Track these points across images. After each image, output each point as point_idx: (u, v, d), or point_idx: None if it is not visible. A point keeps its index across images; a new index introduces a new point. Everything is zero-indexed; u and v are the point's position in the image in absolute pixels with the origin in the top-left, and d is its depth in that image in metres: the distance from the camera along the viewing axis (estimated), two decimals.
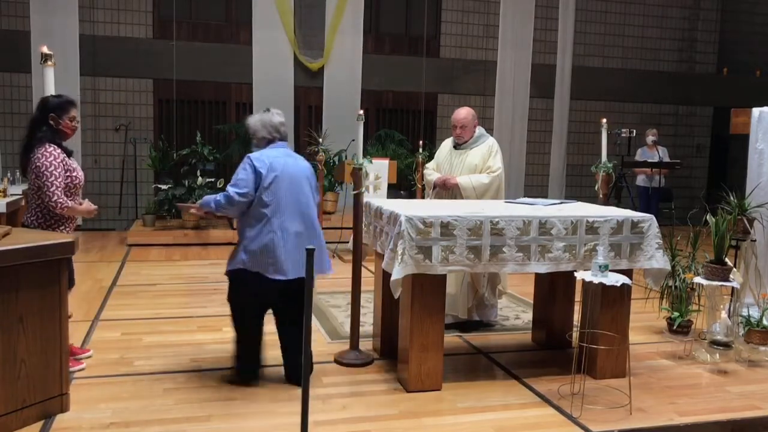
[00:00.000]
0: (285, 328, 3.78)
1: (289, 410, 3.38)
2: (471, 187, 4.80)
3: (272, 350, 4.38)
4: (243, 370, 3.81)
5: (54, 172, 3.65)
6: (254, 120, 3.88)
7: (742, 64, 12.48)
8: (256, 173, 3.63)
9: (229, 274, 3.75)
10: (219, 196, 3.67)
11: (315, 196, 3.90)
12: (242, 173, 3.65)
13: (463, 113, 4.93)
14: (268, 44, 10.13)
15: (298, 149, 10.30)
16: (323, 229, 7.75)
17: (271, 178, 3.63)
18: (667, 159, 9.68)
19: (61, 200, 3.67)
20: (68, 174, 3.75)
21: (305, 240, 3.66)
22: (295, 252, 3.60)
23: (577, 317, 4.35)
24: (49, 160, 3.65)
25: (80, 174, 3.86)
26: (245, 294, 3.72)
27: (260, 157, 3.69)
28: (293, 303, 3.64)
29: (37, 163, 3.65)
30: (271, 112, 3.90)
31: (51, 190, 3.64)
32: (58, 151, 3.71)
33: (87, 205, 3.91)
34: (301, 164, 3.85)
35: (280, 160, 3.71)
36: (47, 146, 3.68)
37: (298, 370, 3.67)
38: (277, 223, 3.62)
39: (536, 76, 11.21)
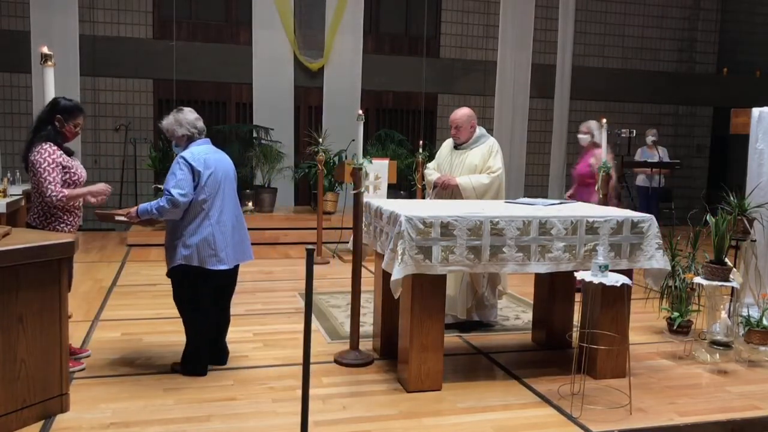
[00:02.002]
0: (218, 314, 3.99)
1: (289, 410, 3.38)
2: (471, 188, 4.79)
3: (272, 350, 4.39)
4: (197, 363, 3.88)
5: (48, 168, 3.67)
6: (169, 121, 3.90)
7: (742, 64, 12.47)
8: (194, 172, 3.70)
9: (171, 272, 3.82)
10: (162, 201, 3.66)
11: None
12: (180, 174, 3.67)
13: (460, 113, 4.93)
14: (268, 44, 10.13)
15: (298, 149, 10.33)
16: (324, 229, 7.86)
17: (207, 175, 3.73)
18: (667, 159, 9.68)
19: (55, 192, 3.66)
20: (66, 171, 3.76)
21: (238, 230, 3.89)
22: (232, 242, 3.82)
23: (577, 317, 4.35)
24: (43, 156, 3.68)
25: (81, 171, 3.88)
26: (190, 289, 3.82)
27: (194, 156, 3.74)
28: (228, 290, 4.04)
29: (33, 160, 3.69)
30: (184, 110, 3.93)
31: (45, 185, 3.66)
32: (54, 148, 3.74)
33: (92, 186, 3.88)
34: (227, 159, 3.98)
35: (211, 157, 3.82)
36: (44, 144, 3.72)
37: (226, 351, 4.09)
38: (215, 217, 3.76)
39: (536, 76, 11.20)
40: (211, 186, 3.74)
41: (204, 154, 3.79)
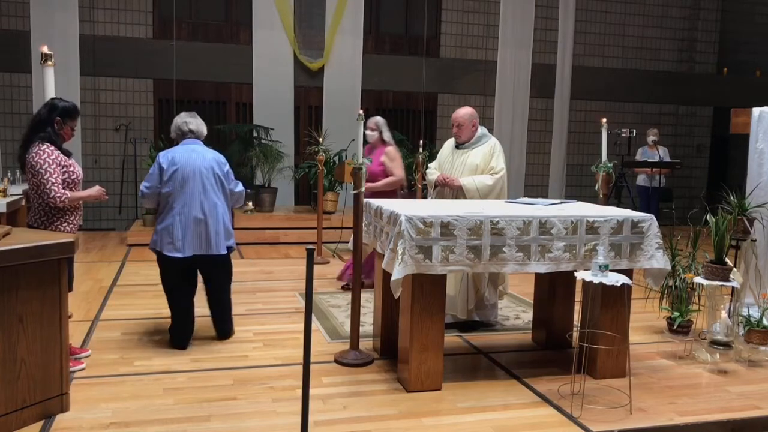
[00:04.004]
0: (211, 300, 4.48)
1: (289, 410, 3.38)
2: (475, 189, 4.78)
3: (272, 350, 4.39)
4: (174, 337, 4.35)
5: (49, 168, 3.68)
6: None
7: (742, 64, 12.47)
8: (160, 167, 4.18)
9: (152, 251, 4.31)
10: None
11: (228, 182, 4.35)
12: (151, 170, 4.23)
13: (462, 112, 4.93)
14: (268, 44, 10.13)
15: (298, 149, 10.33)
16: (324, 229, 7.86)
17: (172, 170, 4.15)
18: (667, 159, 9.68)
19: (59, 194, 3.70)
20: (65, 170, 3.77)
21: (203, 224, 4.17)
22: (193, 234, 4.14)
23: (577, 317, 4.35)
24: (42, 157, 3.69)
25: (78, 170, 3.89)
26: (162, 269, 4.30)
27: (166, 154, 4.23)
28: (213, 277, 4.39)
29: (32, 162, 3.69)
30: (181, 114, 4.44)
31: (48, 186, 3.67)
32: (52, 148, 3.75)
33: (91, 189, 3.95)
34: (207, 156, 4.29)
35: (182, 155, 4.22)
36: (40, 144, 3.72)
37: (227, 331, 4.52)
38: (178, 209, 4.14)
39: (536, 76, 11.21)
40: (176, 180, 4.14)
41: (177, 152, 4.23)
